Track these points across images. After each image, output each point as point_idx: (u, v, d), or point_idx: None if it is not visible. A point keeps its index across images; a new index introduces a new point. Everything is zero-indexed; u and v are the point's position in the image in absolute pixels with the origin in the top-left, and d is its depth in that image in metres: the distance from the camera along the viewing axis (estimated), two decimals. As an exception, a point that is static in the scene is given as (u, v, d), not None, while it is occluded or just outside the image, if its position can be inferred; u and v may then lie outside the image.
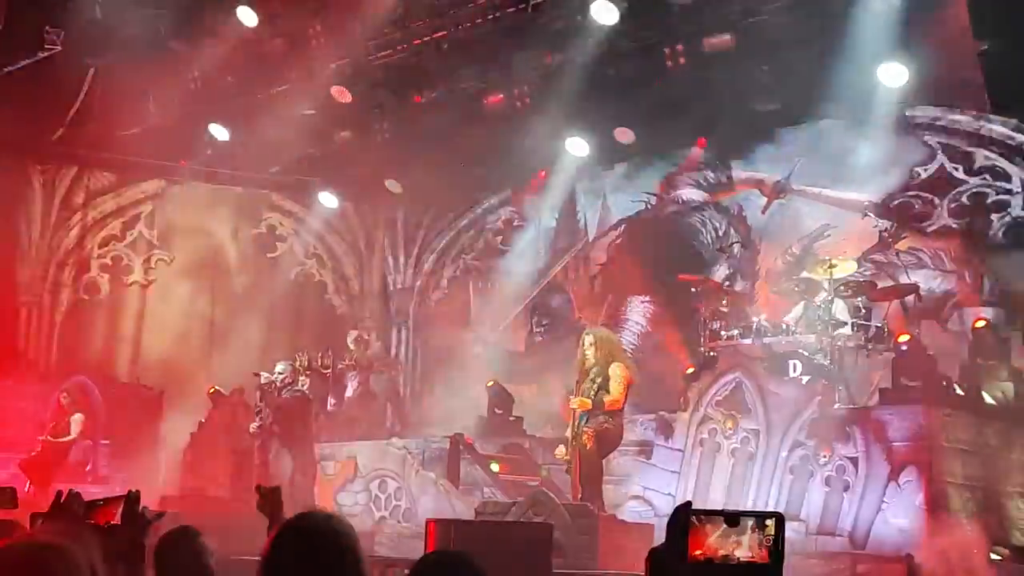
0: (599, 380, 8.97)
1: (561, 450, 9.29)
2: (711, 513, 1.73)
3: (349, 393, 14.21)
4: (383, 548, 10.42)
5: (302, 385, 12.66)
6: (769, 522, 1.72)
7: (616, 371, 9.05)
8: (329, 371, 14.20)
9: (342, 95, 13.28)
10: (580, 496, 8.96)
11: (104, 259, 16.29)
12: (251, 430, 12.52)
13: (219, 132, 14.34)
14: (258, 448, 12.50)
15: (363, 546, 2.64)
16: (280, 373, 12.67)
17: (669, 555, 1.58)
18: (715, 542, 1.74)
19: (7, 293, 15.22)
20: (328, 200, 16.52)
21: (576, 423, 8.99)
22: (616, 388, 8.97)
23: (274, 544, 2.48)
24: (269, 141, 14.63)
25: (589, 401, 8.91)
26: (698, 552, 1.77)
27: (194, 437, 14.18)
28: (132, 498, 3.16)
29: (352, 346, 14.60)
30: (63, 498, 3.25)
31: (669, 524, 1.63)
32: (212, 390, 14.23)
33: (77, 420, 13.36)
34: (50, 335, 15.69)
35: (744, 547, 1.76)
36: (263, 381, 12.65)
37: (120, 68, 13.01)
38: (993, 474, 9.19)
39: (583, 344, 9.27)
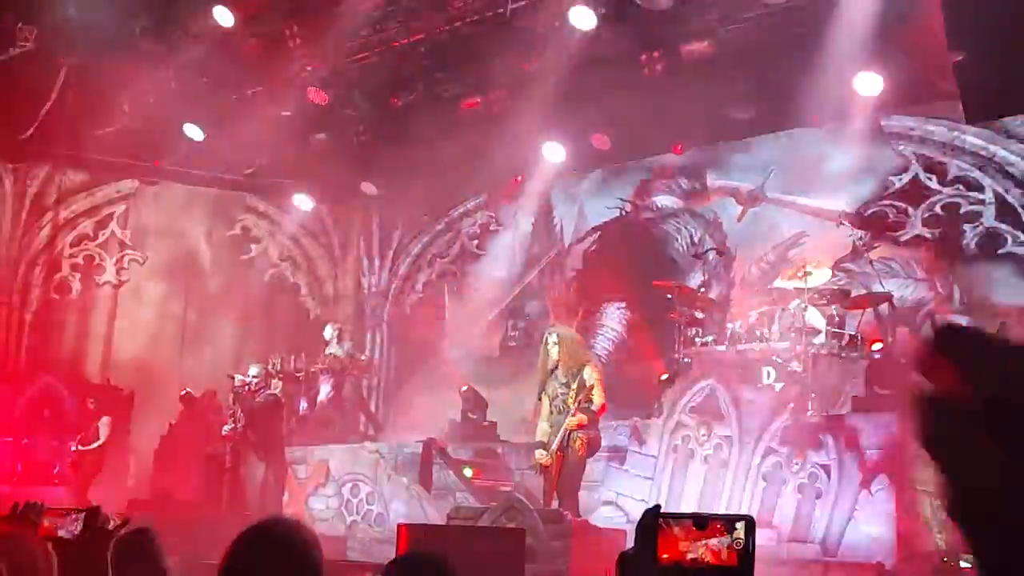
0: (573, 385, 8.97)
1: (542, 455, 9.17)
2: (680, 516, 1.70)
3: (322, 396, 14.14)
4: (355, 553, 10.37)
5: (275, 388, 12.60)
6: (739, 525, 1.70)
7: (591, 374, 9.08)
8: (302, 374, 14.12)
9: (318, 97, 13.22)
10: (560, 503, 8.96)
11: (76, 259, 16.14)
12: (223, 433, 12.45)
13: (194, 132, 14.25)
14: (230, 451, 12.43)
15: (328, 554, 2.60)
16: (254, 376, 12.61)
17: (638, 558, 1.55)
18: (683, 545, 1.72)
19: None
20: (303, 202, 16.46)
21: (564, 431, 8.95)
22: (598, 394, 9.02)
23: (232, 551, 2.44)
24: (244, 142, 14.54)
25: (586, 418, 8.94)
26: (666, 556, 1.74)
27: (164, 439, 14.08)
28: (92, 511, 3.12)
29: (330, 337, 14.48)
30: (20, 507, 3.20)
31: (637, 527, 1.61)
32: (184, 392, 14.12)
33: (105, 423, 13.29)
34: (20, 335, 15.52)
35: (712, 550, 1.73)
36: (236, 384, 12.59)
37: (94, 67, 12.91)
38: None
39: (546, 343, 9.31)
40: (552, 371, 9.16)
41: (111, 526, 3.17)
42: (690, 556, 1.69)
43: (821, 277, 11.20)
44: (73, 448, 13.18)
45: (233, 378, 12.73)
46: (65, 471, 13.09)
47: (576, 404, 8.93)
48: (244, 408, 12.47)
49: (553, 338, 9.29)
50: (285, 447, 12.66)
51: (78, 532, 3.09)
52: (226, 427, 12.51)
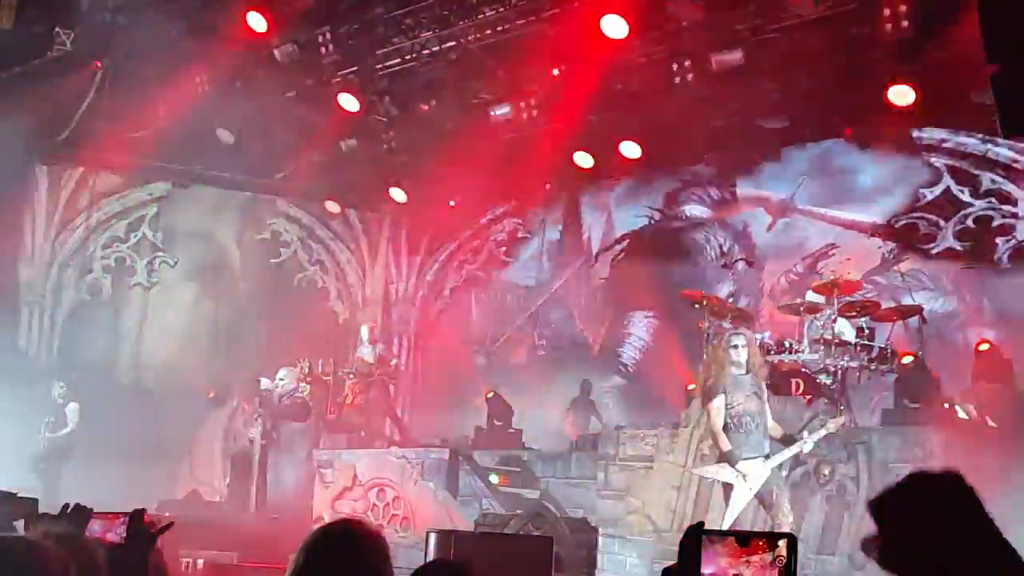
0: (763, 395, 8.49)
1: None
2: (723, 534, 1.72)
3: (349, 401, 14.20)
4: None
5: (304, 392, 12.68)
6: (781, 543, 1.71)
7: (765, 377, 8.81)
8: (330, 378, 14.20)
9: (349, 103, 13.30)
10: None
11: (107, 260, 16.30)
12: (251, 436, 12.54)
13: (226, 137, 14.36)
14: (257, 453, 12.53)
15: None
16: (282, 380, 12.69)
17: (681, 574, 1.57)
18: (726, 562, 1.73)
19: (9, 293, 15.21)
20: (333, 207, 16.54)
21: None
22: None
23: (310, 549, 2.48)
24: (275, 147, 14.66)
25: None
26: (708, 572, 1.76)
27: (194, 441, 14.18)
28: (136, 514, 3.14)
29: (365, 338, 14.52)
30: (68, 509, 3.24)
31: (681, 544, 1.63)
32: (213, 395, 14.23)
33: (73, 410, 13.29)
34: (51, 335, 15.68)
35: (755, 568, 1.74)
36: (264, 388, 12.68)
37: (129, 71, 13.04)
38: (994, 498, 9.14)
39: (729, 344, 8.60)
40: (733, 376, 8.45)
41: (154, 530, 3.20)
42: (732, 573, 1.70)
43: (851, 289, 11.15)
44: (41, 436, 13.10)
45: (261, 382, 12.83)
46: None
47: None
48: (271, 411, 12.57)
49: (741, 340, 8.64)
50: (312, 450, 12.73)
51: (123, 536, 3.11)
52: (253, 429, 12.61)
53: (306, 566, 2.51)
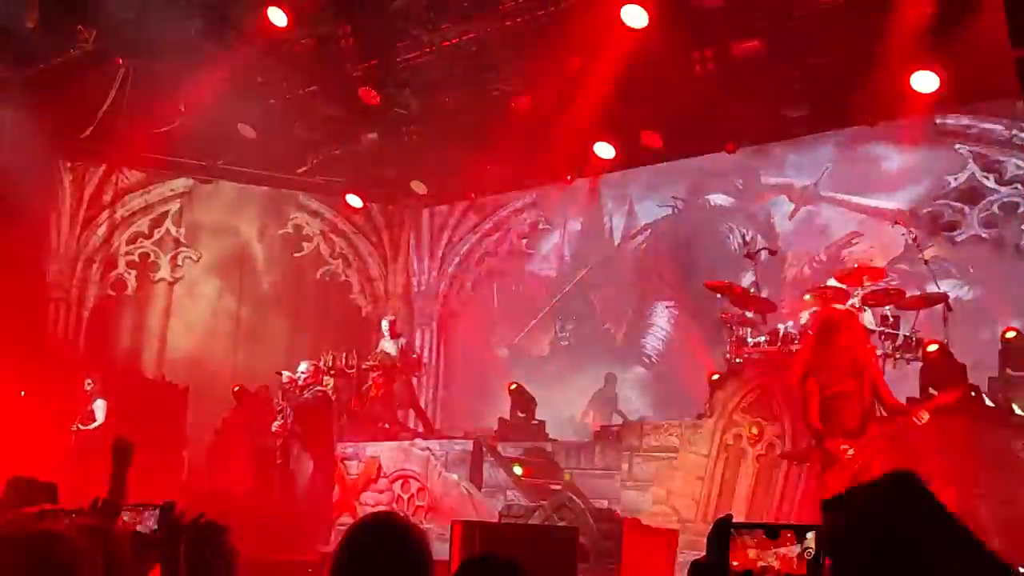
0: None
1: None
2: (751, 526, 1.72)
3: (373, 394, 14.24)
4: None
5: (327, 385, 12.71)
6: (809, 535, 1.70)
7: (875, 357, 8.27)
8: (353, 371, 14.24)
9: (369, 96, 13.31)
10: None
11: (131, 256, 16.41)
12: (273, 429, 12.60)
13: (247, 131, 14.41)
14: (279, 447, 12.58)
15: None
16: (302, 372, 12.73)
17: (710, 567, 1.57)
18: (754, 554, 1.73)
19: (36, 289, 15.34)
20: (354, 201, 16.58)
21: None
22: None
23: (350, 542, 2.50)
24: (297, 141, 14.70)
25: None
26: (736, 563, 1.75)
27: (218, 435, 14.26)
28: (168, 506, 3.18)
29: (385, 330, 14.56)
30: (99, 502, 3.29)
31: (709, 538, 1.63)
32: (237, 388, 14.31)
33: (100, 406, 13.40)
34: (77, 331, 15.81)
35: (783, 559, 1.74)
36: (284, 380, 12.73)
37: (151, 67, 13.10)
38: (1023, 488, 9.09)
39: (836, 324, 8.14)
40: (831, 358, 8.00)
41: (186, 522, 3.23)
42: (760, 564, 1.70)
43: (875, 277, 11.07)
44: (73, 428, 13.21)
45: (281, 375, 12.88)
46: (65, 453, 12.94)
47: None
48: (292, 404, 12.62)
49: (842, 323, 8.21)
50: (335, 443, 12.78)
51: (155, 527, 3.15)
52: (275, 423, 12.66)
53: (350, 560, 2.52)
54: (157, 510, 3.19)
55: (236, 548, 3.31)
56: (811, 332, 8.56)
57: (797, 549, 1.77)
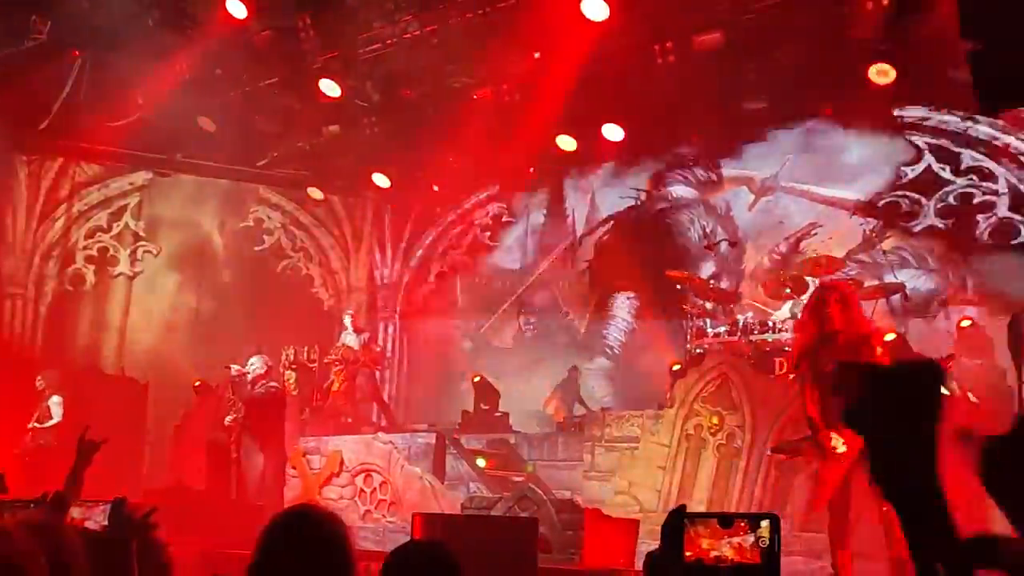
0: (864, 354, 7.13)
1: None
2: (705, 516, 1.73)
3: (335, 388, 14.19)
4: (368, 542, 10.42)
5: (288, 379, 12.63)
6: (763, 523, 1.72)
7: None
8: (315, 365, 14.18)
9: (330, 89, 13.24)
10: None
11: (90, 251, 16.22)
12: (226, 423, 12.52)
13: (207, 124, 14.28)
14: (233, 441, 12.50)
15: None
16: (253, 366, 12.65)
17: (664, 558, 1.59)
18: (708, 543, 1.75)
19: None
20: (316, 194, 16.49)
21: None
22: None
23: (267, 536, 2.49)
24: (257, 134, 14.60)
25: None
26: (690, 553, 1.77)
27: (178, 430, 14.15)
28: (119, 502, 3.14)
29: (348, 325, 14.52)
30: (48, 497, 3.25)
31: (663, 528, 1.64)
32: (198, 383, 14.20)
33: (56, 403, 13.23)
34: (35, 327, 15.61)
35: (736, 548, 1.76)
36: (233, 374, 12.64)
37: (108, 59, 12.94)
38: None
39: (822, 302, 7.36)
40: (828, 338, 7.23)
41: (137, 519, 3.20)
42: (714, 554, 1.72)
43: (833, 267, 11.20)
44: (29, 427, 13.03)
45: (230, 368, 12.79)
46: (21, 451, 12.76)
47: None
48: (242, 398, 12.54)
49: (835, 296, 7.41)
50: (286, 438, 12.69)
51: (105, 523, 3.12)
52: (228, 417, 12.58)
53: (266, 552, 2.52)
54: (108, 506, 3.15)
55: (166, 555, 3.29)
56: (803, 314, 7.91)
57: (751, 538, 1.79)
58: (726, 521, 1.64)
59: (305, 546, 2.52)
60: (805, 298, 10.85)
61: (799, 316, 10.27)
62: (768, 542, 1.65)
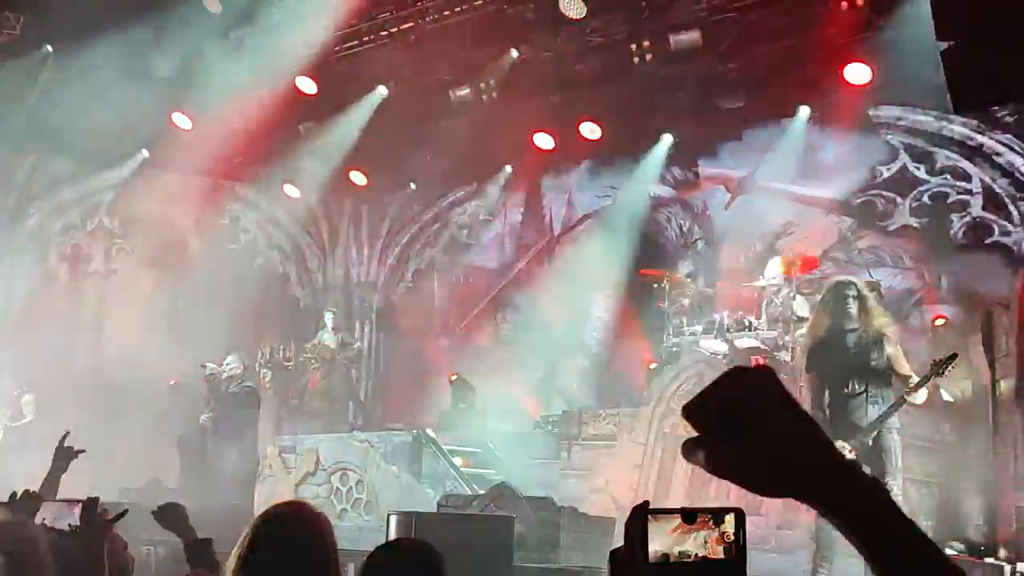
0: (873, 360, 6.99)
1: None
2: (668, 511, 1.72)
3: (311, 386, 14.14)
4: (344, 541, 10.34)
5: (263, 377, 12.57)
6: (728, 518, 1.71)
7: (895, 347, 7.06)
8: (291, 363, 14.12)
9: (307, 86, 13.19)
10: None
11: (63, 249, 16.08)
12: (200, 421, 12.46)
13: (182, 121, 14.19)
14: (207, 440, 12.44)
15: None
16: (228, 364, 12.59)
17: (627, 555, 1.57)
18: (672, 540, 1.73)
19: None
20: (292, 191, 16.41)
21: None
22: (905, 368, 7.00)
23: (258, 532, 2.48)
24: (233, 131, 14.50)
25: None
26: (654, 551, 1.76)
27: (154, 428, 14.05)
28: (90, 502, 3.12)
29: (330, 324, 14.47)
30: (17, 496, 3.21)
31: (626, 525, 1.63)
32: (173, 382, 14.11)
33: (28, 402, 13.13)
34: (5, 326, 15.45)
35: (701, 544, 1.75)
36: (208, 372, 12.58)
37: (81, 55, 12.83)
38: (950, 471, 9.31)
39: (844, 297, 7.16)
40: (841, 334, 7.10)
41: (108, 518, 3.17)
42: (679, 550, 1.71)
43: (809, 266, 11.25)
44: (1, 426, 12.96)
45: (205, 367, 12.72)
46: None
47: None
48: (216, 396, 12.48)
49: (852, 291, 7.21)
50: (262, 436, 12.63)
51: (75, 523, 3.09)
52: (203, 416, 12.52)
53: (252, 550, 2.50)
54: (79, 506, 3.13)
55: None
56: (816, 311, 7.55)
57: (715, 533, 1.78)
58: (690, 516, 1.62)
59: (295, 543, 2.52)
60: (778, 298, 10.91)
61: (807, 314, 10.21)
62: (734, 536, 1.63)
